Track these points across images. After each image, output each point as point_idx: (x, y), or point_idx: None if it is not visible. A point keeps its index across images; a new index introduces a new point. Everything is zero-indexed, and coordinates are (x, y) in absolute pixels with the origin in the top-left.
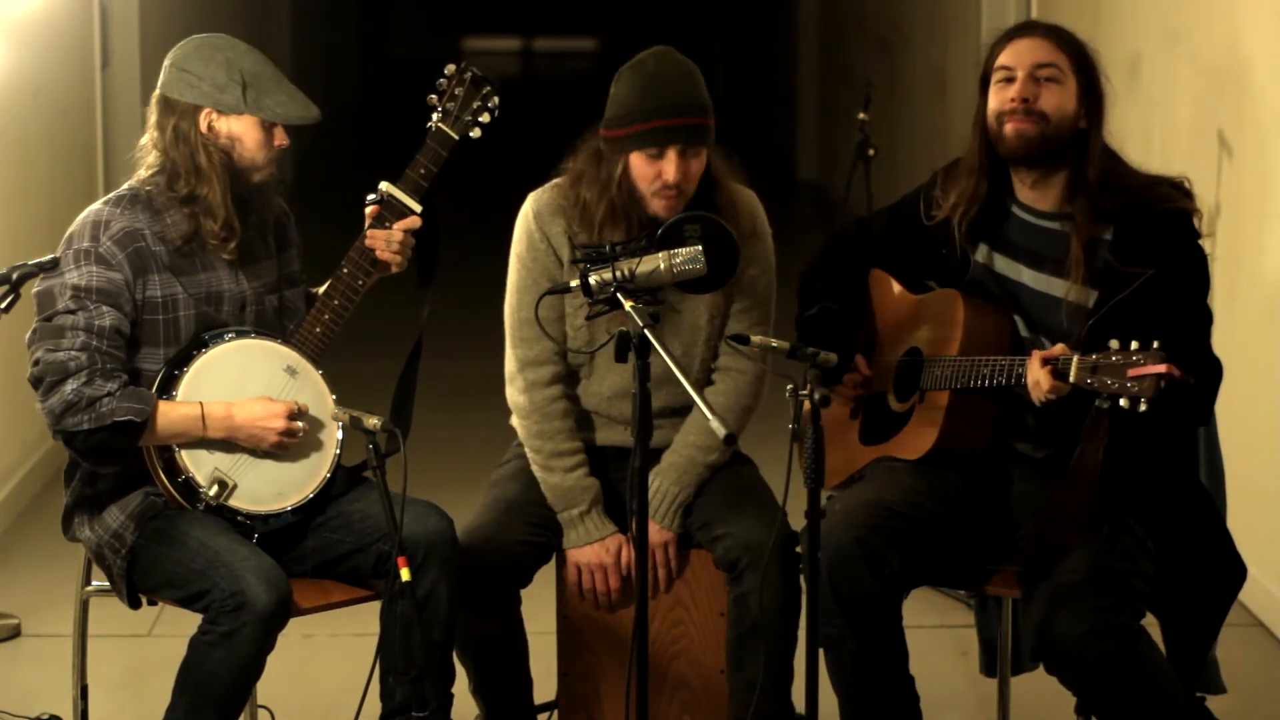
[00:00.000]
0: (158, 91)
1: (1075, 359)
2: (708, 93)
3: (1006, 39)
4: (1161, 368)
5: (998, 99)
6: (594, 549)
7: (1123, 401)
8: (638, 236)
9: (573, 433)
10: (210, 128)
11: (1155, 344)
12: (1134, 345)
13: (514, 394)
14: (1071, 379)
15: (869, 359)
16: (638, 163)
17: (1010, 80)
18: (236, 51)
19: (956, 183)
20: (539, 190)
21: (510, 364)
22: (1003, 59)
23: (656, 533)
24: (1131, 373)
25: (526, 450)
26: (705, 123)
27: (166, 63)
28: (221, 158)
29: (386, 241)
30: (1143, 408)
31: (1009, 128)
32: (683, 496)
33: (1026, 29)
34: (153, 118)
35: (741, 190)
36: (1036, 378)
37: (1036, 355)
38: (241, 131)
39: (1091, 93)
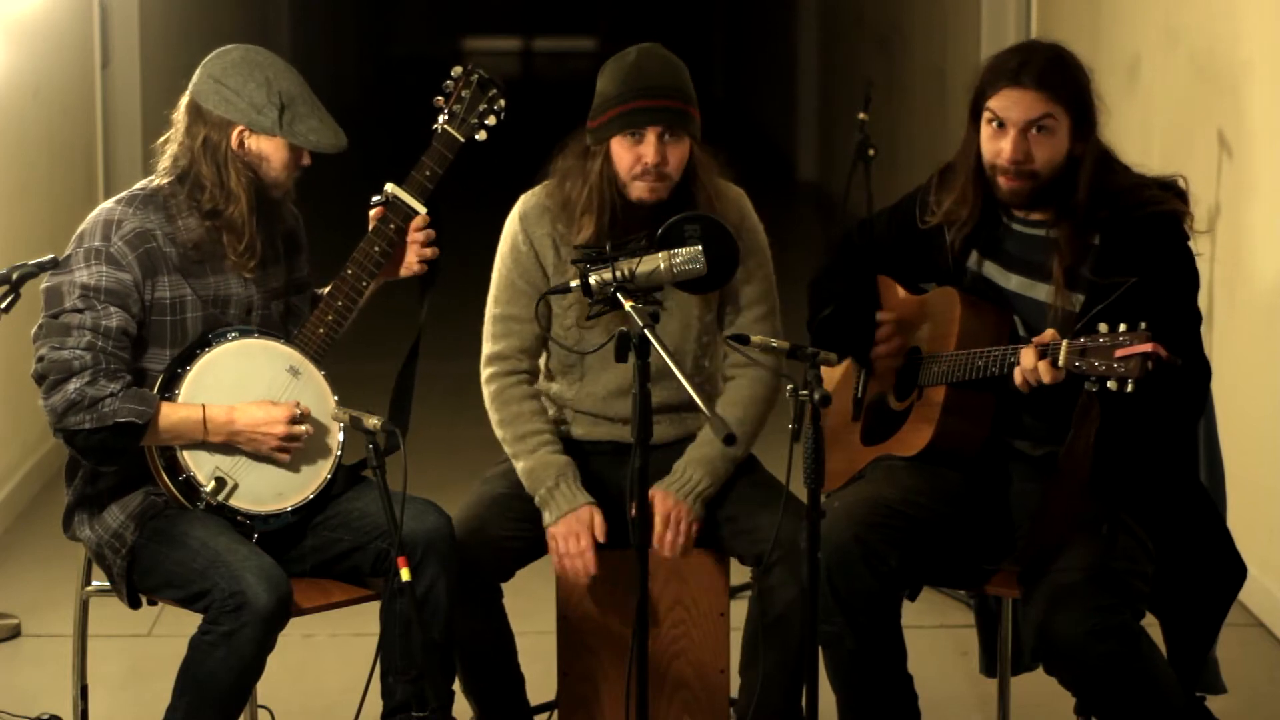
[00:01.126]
0: (189, 97)
1: (1065, 343)
2: (693, 87)
3: (1000, 81)
4: (1147, 347)
5: (990, 147)
6: (567, 521)
7: (1110, 384)
8: (637, 236)
9: (537, 414)
10: (241, 144)
11: (1143, 325)
12: (1122, 327)
13: (484, 390)
14: (1060, 363)
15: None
16: (618, 147)
17: (1002, 127)
18: (276, 70)
19: (950, 190)
20: (529, 192)
21: (482, 361)
22: (994, 104)
23: (677, 504)
24: (1118, 353)
25: (502, 444)
26: (686, 109)
27: (204, 71)
28: (248, 175)
29: (430, 252)
30: (1129, 388)
31: (1002, 182)
32: (704, 485)
33: (1018, 77)
34: (182, 123)
35: (728, 186)
36: (1032, 365)
37: (1031, 344)
38: (271, 152)
39: (1083, 124)
